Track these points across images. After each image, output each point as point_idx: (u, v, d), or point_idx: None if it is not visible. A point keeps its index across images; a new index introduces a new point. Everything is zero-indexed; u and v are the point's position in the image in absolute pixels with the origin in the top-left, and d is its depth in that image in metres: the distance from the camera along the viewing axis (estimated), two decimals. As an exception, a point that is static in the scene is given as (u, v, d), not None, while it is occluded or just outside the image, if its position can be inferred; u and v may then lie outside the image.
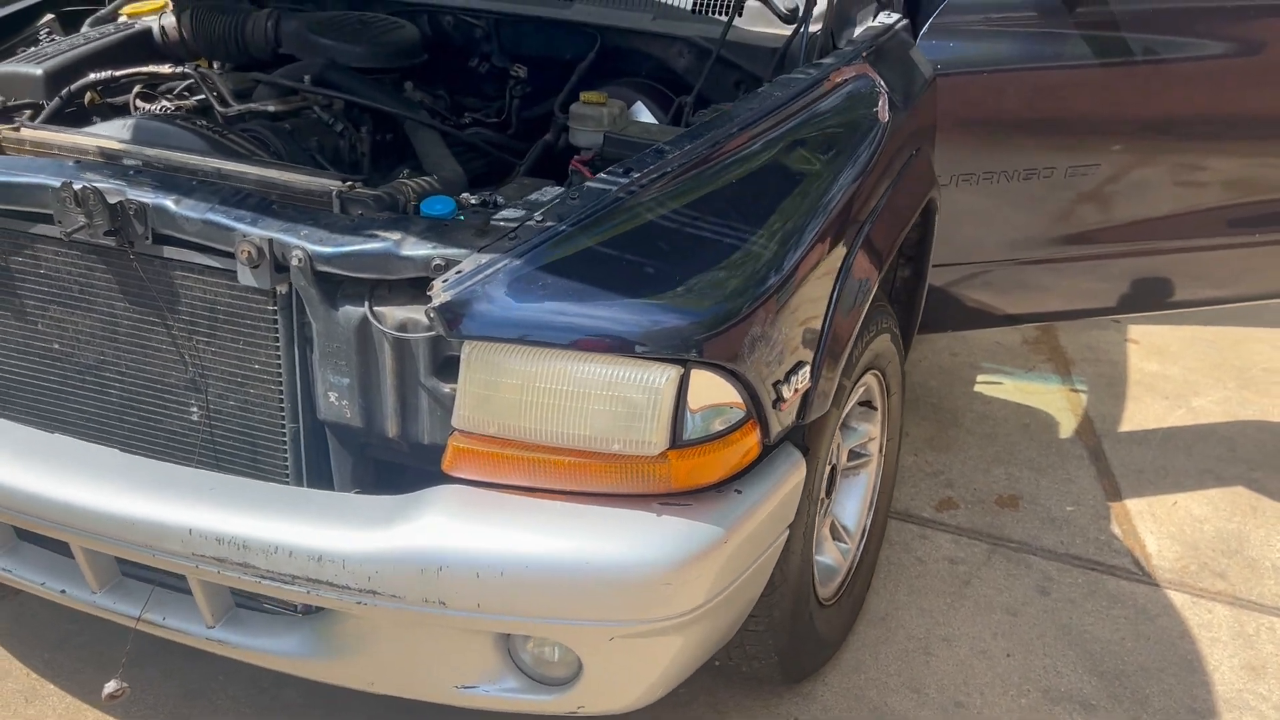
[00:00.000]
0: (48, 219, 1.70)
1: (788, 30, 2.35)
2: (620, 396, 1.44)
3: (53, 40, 2.39)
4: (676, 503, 1.53)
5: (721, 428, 1.53)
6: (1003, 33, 2.69)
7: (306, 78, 2.11)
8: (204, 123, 1.92)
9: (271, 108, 2.04)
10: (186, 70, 2.07)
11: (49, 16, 2.43)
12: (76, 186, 1.60)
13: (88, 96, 2.11)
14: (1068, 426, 3.54)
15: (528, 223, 1.55)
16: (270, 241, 1.54)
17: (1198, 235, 2.86)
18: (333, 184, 1.70)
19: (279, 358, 1.66)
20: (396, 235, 1.54)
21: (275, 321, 1.64)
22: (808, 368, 1.64)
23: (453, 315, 1.44)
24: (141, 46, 2.32)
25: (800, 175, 1.76)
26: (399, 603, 1.49)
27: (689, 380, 1.46)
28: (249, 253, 1.54)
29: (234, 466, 1.76)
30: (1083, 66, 2.68)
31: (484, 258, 1.48)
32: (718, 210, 1.64)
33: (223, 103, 2.03)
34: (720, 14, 2.39)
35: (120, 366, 1.77)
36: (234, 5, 2.36)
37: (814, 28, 2.38)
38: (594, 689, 1.59)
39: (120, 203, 1.61)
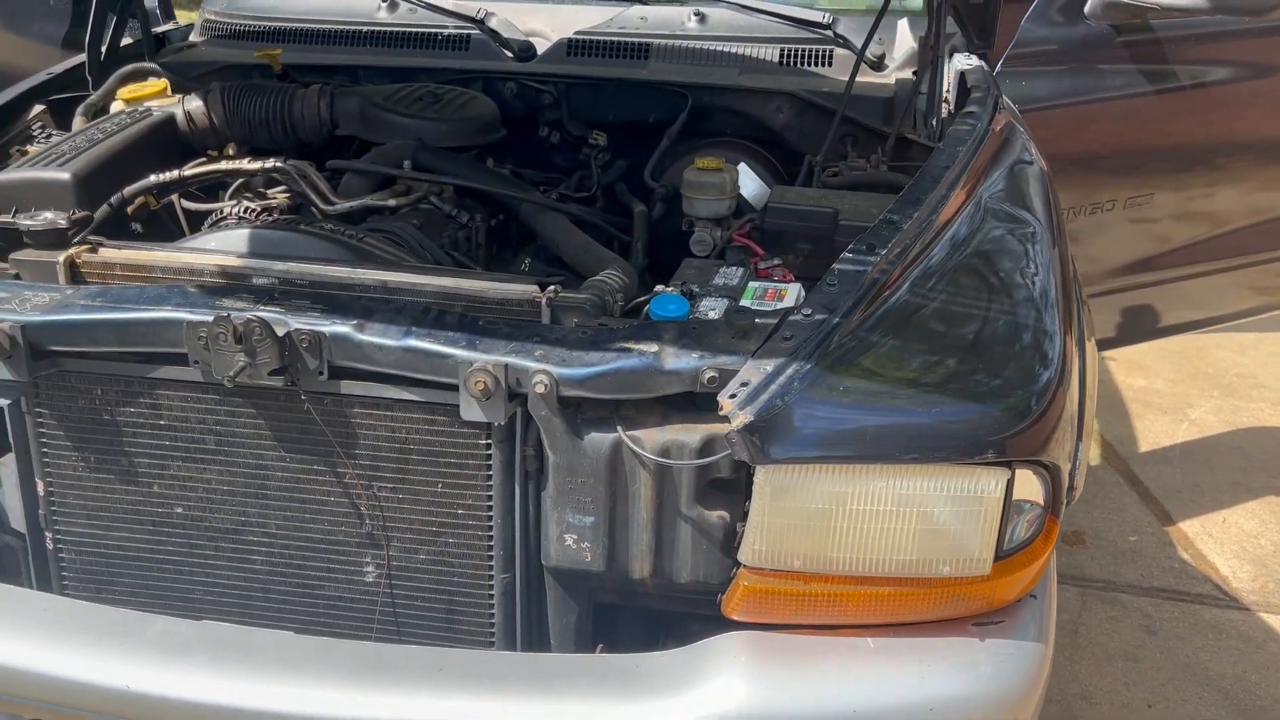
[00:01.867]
0: (174, 359, 1.39)
1: (884, 78, 2.24)
2: (950, 511, 1.26)
3: (49, 135, 2.03)
4: (990, 621, 1.35)
5: (1029, 532, 1.36)
6: (1049, 70, 2.66)
7: (407, 163, 1.84)
8: (331, 226, 1.63)
9: (393, 202, 1.76)
10: (278, 164, 1.76)
11: (39, 108, 2.06)
12: (238, 320, 1.30)
13: (137, 202, 1.78)
14: (1093, 453, 3.55)
15: (790, 318, 1.35)
16: (505, 367, 1.29)
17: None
18: (530, 290, 1.45)
19: (490, 500, 1.40)
20: (652, 347, 1.31)
21: (488, 458, 1.38)
22: (1078, 447, 1.49)
23: (759, 437, 1.22)
24: (167, 137, 1.99)
25: (1023, 238, 1.62)
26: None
27: (1014, 484, 1.29)
28: (484, 384, 1.28)
29: (420, 633, 1.48)
30: (1134, 96, 2.68)
31: (767, 365, 1.27)
32: (975, 287, 1.49)
33: (324, 199, 1.74)
34: (808, 64, 2.25)
35: (269, 527, 1.47)
36: (274, 84, 2.06)
37: (904, 73, 2.28)
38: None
39: (288, 335, 1.33)
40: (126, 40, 2.35)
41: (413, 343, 1.32)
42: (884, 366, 1.33)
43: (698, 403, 1.33)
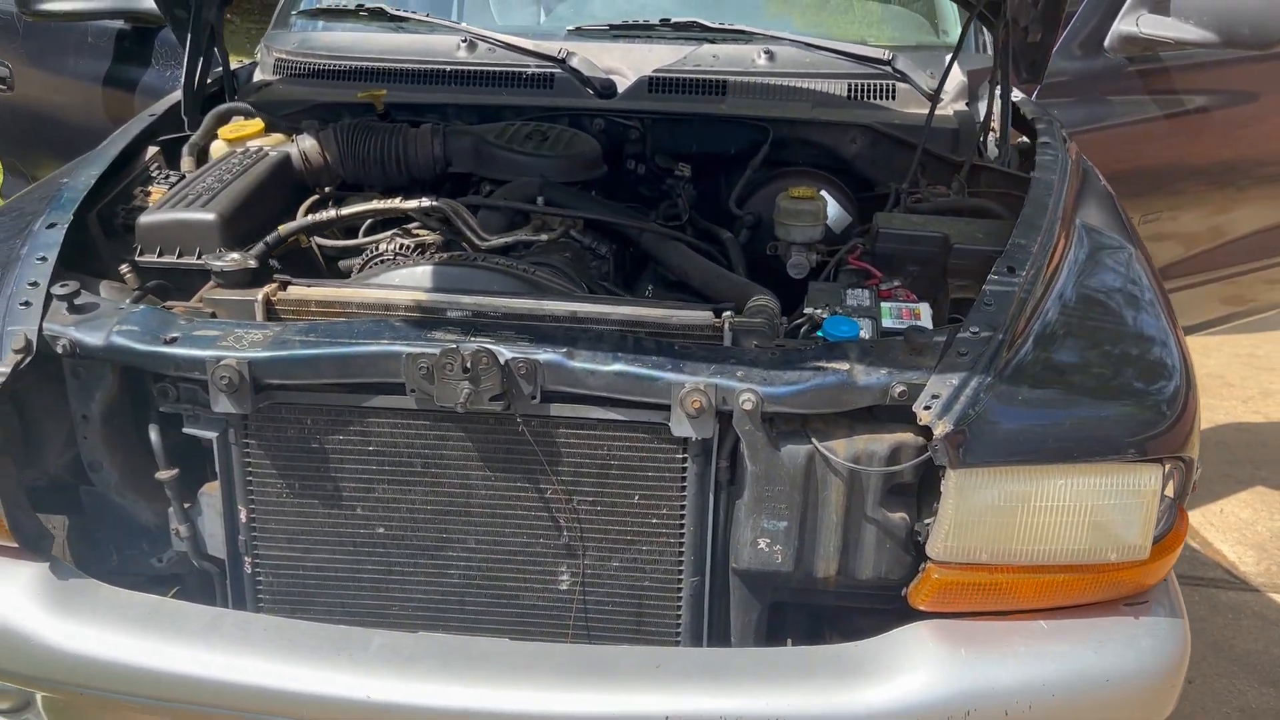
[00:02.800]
0: (388, 389, 1.48)
1: (944, 110, 2.41)
2: (1118, 504, 1.42)
3: (166, 176, 2.09)
4: (1138, 601, 1.52)
5: (1168, 522, 1.53)
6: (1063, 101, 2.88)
7: (540, 199, 1.95)
8: (504, 261, 1.73)
9: (544, 237, 1.86)
10: (436, 203, 1.85)
11: (154, 150, 2.12)
12: (465, 351, 1.41)
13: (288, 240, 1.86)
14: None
15: (959, 335, 1.50)
16: (715, 388, 1.41)
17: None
18: (706, 316, 1.58)
19: (683, 509, 1.52)
20: (844, 365, 1.45)
21: (684, 471, 1.50)
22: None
23: (959, 444, 1.37)
24: (285, 175, 2.06)
25: (1124, 255, 1.80)
26: (919, 756, 1.39)
27: (1167, 478, 1.46)
28: (700, 403, 1.40)
29: (609, 636, 1.59)
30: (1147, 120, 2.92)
31: (952, 379, 1.42)
32: (1103, 301, 1.66)
33: (477, 235, 1.84)
34: (874, 98, 2.42)
35: (468, 543, 1.56)
36: (384, 124, 2.14)
37: (960, 105, 2.47)
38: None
39: (507, 363, 1.43)
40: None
41: (622, 367, 1.44)
42: (1050, 378, 1.49)
43: (876, 414, 1.48)
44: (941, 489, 1.42)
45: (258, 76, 2.62)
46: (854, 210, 2.26)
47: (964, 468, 1.38)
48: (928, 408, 1.40)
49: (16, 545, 1.51)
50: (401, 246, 1.82)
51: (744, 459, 1.46)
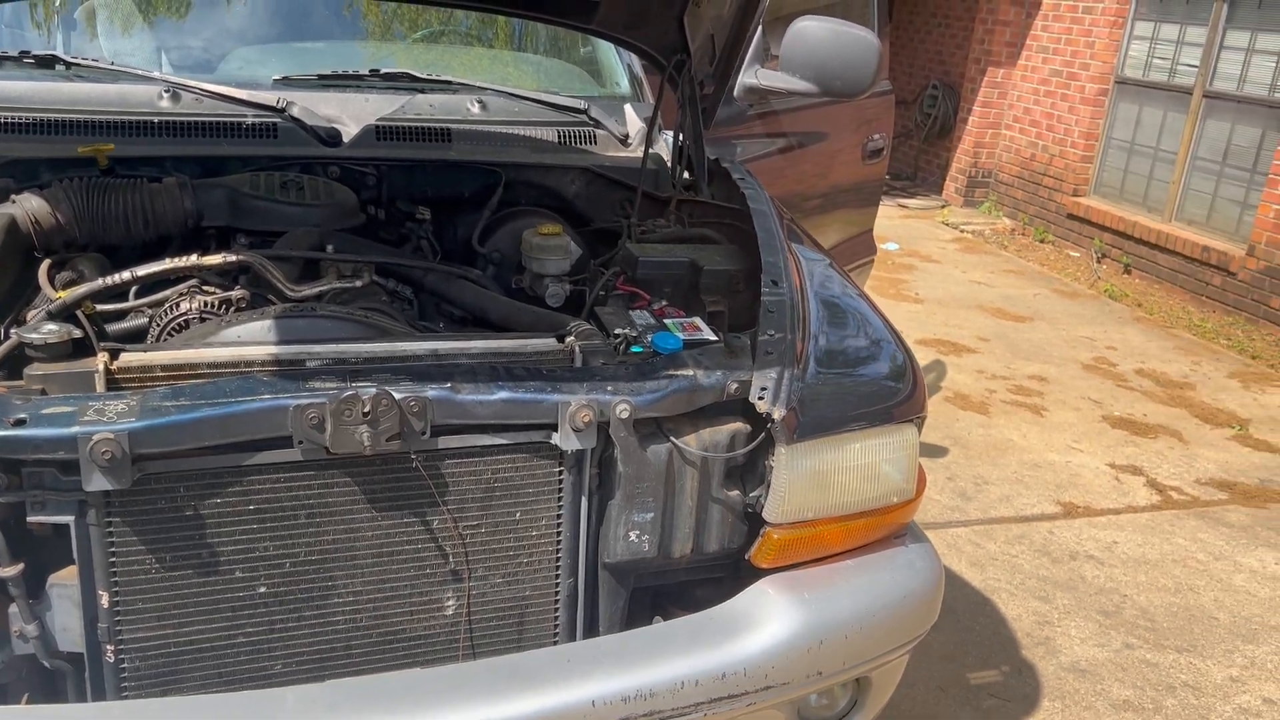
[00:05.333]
0: (271, 444, 1.48)
1: (635, 152, 2.74)
2: (895, 458, 1.81)
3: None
4: (902, 534, 1.93)
5: (913, 470, 1.96)
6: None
7: (329, 246, 1.95)
8: (340, 308, 1.72)
9: (359, 283, 1.86)
10: (244, 259, 1.78)
11: None
12: (365, 395, 1.46)
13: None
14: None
15: (761, 338, 1.80)
16: (595, 403, 1.59)
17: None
18: (552, 343, 1.74)
19: (559, 518, 1.67)
20: (688, 371, 1.69)
21: (561, 483, 1.66)
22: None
23: (792, 425, 1.68)
24: (14, 240, 1.87)
25: (821, 263, 2.23)
26: (787, 689, 1.67)
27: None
28: (589, 417, 1.57)
29: (493, 647, 1.70)
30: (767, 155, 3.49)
31: (771, 373, 1.72)
32: (834, 303, 2.05)
33: (286, 286, 1.81)
34: (580, 144, 2.69)
35: (354, 586, 1.59)
36: (124, 180, 2.01)
37: (644, 148, 2.81)
38: (870, 713, 1.91)
39: (399, 403, 1.50)
40: None
41: (507, 394, 1.57)
42: (834, 365, 1.84)
43: (707, 411, 1.74)
44: (771, 463, 1.72)
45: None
46: (582, 244, 2.52)
47: (794, 443, 1.69)
48: (760, 398, 1.69)
49: None
50: (206, 304, 1.76)
51: (616, 463, 1.65)
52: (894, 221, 9.14)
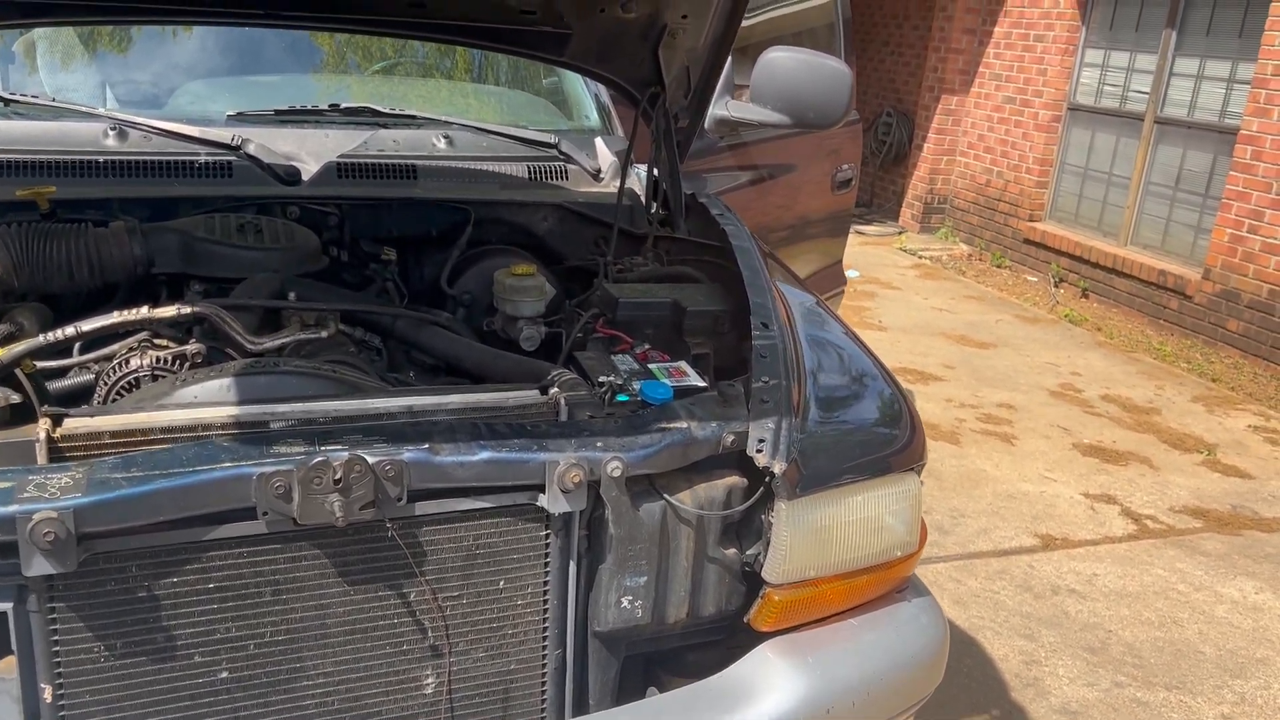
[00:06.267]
0: (233, 516, 1.35)
1: (607, 188, 2.65)
2: (897, 509, 1.72)
3: None
4: (903, 588, 1.84)
5: (915, 517, 1.87)
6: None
7: (291, 294, 1.82)
8: (305, 363, 1.59)
9: (324, 334, 1.74)
10: (199, 310, 1.65)
11: None
12: (336, 461, 1.33)
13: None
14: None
15: (755, 385, 1.70)
16: (585, 461, 1.48)
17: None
18: (534, 394, 1.63)
19: (546, 585, 1.56)
20: (681, 424, 1.58)
21: (547, 548, 1.54)
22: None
23: (794, 478, 1.57)
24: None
25: (807, 301, 2.14)
26: (796, 759, 1.56)
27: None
28: (579, 477, 1.46)
29: (476, 725, 1.57)
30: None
31: (768, 423, 1.62)
32: (824, 343, 1.96)
33: (245, 339, 1.68)
34: (550, 179, 2.59)
35: (325, 667, 1.45)
36: (67, 225, 1.87)
37: (616, 183, 2.72)
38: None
39: (374, 467, 1.38)
40: None
41: (490, 455, 1.45)
42: (833, 412, 1.75)
43: (700, 465, 1.64)
44: (771, 519, 1.62)
45: None
46: (556, 284, 2.41)
47: (795, 498, 1.59)
48: (759, 450, 1.58)
49: None
50: (158, 360, 1.63)
51: (607, 524, 1.54)
52: (853, 248, 9.14)
